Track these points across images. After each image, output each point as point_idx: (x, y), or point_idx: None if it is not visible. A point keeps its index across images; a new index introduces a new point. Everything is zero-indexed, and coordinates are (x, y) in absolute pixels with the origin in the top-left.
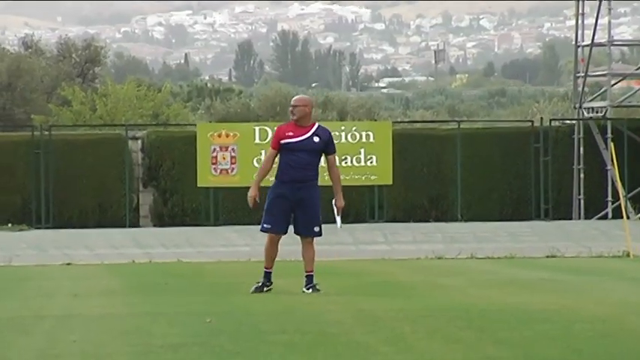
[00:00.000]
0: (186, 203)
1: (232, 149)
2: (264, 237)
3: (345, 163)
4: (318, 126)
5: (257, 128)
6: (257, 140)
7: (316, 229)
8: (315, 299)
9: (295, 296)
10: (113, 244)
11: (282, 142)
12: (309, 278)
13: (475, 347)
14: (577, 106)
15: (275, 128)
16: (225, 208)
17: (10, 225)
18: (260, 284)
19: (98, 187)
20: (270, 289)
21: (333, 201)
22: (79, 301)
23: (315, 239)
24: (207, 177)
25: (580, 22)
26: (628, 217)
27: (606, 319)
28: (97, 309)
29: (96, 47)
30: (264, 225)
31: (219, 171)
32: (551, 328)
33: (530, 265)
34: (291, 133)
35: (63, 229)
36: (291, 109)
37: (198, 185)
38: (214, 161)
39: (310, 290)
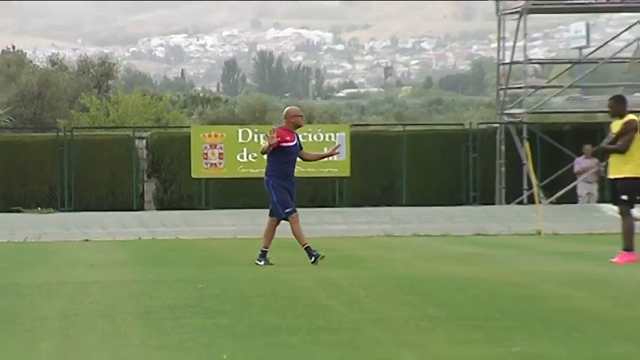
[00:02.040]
0: (182, 191)
1: (220, 147)
2: (247, 218)
3: None
4: (296, 136)
5: (240, 130)
6: (240, 140)
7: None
8: (288, 269)
9: (271, 267)
10: (123, 224)
11: (283, 145)
12: (308, 250)
13: (418, 308)
14: (499, 112)
15: (274, 130)
16: (215, 194)
17: (39, 208)
18: (262, 262)
19: (111, 178)
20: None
21: (334, 149)
22: (95, 271)
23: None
24: (199, 169)
25: (501, 44)
26: (540, 202)
27: (523, 285)
28: (110, 277)
29: (109, 64)
30: (287, 210)
31: (209, 165)
32: (479, 292)
33: (462, 241)
34: (288, 138)
35: (82, 212)
36: (300, 118)
37: (193, 176)
38: (205, 157)
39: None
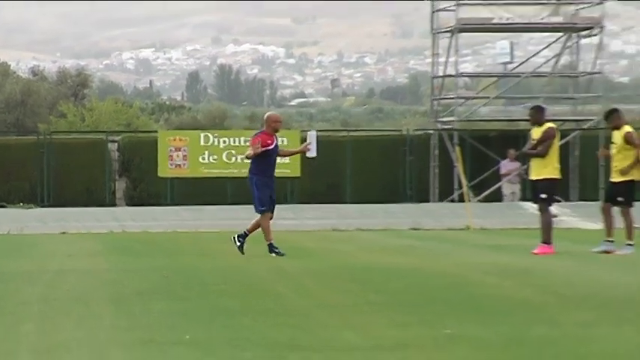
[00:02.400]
0: (150, 189)
1: (184, 150)
2: (207, 214)
3: None
4: (275, 136)
5: (202, 135)
6: (202, 143)
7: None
8: (245, 259)
9: (229, 257)
10: (97, 219)
11: (265, 148)
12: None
13: (360, 295)
14: (433, 120)
15: (257, 136)
16: (179, 192)
17: (21, 204)
18: (238, 243)
19: (86, 177)
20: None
21: (305, 147)
22: (71, 260)
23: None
24: (165, 170)
25: (435, 59)
26: (469, 201)
27: (454, 274)
28: (85, 266)
29: (85, 75)
30: (262, 208)
31: (174, 165)
32: (414, 280)
33: (401, 235)
34: (269, 142)
35: (60, 207)
36: (279, 123)
37: (159, 175)
38: (171, 158)
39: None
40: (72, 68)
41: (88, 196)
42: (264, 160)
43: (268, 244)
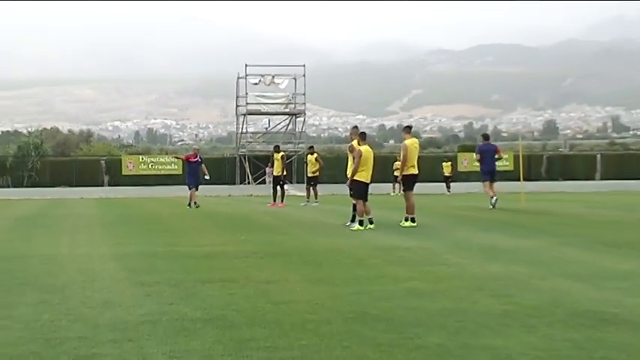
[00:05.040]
0: (118, 179)
1: (133, 163)
2: (145, 190)
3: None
4: (199, 155)
5: (140, 157)
6: (140, 160)
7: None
8: (161, 208)
9: (152, 208)
10: (95, 192)
11: (189, 160)
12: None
13: (205, 222)
14: (237, 151)
15: (187, 154)
16: (130, 181)
17: (62, 186)
18: (189, 205)
19: (93, 175)
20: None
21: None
22: (84, 209)
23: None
24: (125, 171)
25: (238, 126)
26: (252, 184)
27: (244, 215)
28: (89, 211)
29: (90, 133)
30: (190, 186)
31: (128, 169)
32: (228, 218)
33: (224, 199)
34: (192, 157)
35: (80, 187)
36: (195, 152)
37: (123, 174)
38: (127, 166)
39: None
40: (85, 130)
41: (92, 182)
42: (189, 168)
43: (194, 202)
